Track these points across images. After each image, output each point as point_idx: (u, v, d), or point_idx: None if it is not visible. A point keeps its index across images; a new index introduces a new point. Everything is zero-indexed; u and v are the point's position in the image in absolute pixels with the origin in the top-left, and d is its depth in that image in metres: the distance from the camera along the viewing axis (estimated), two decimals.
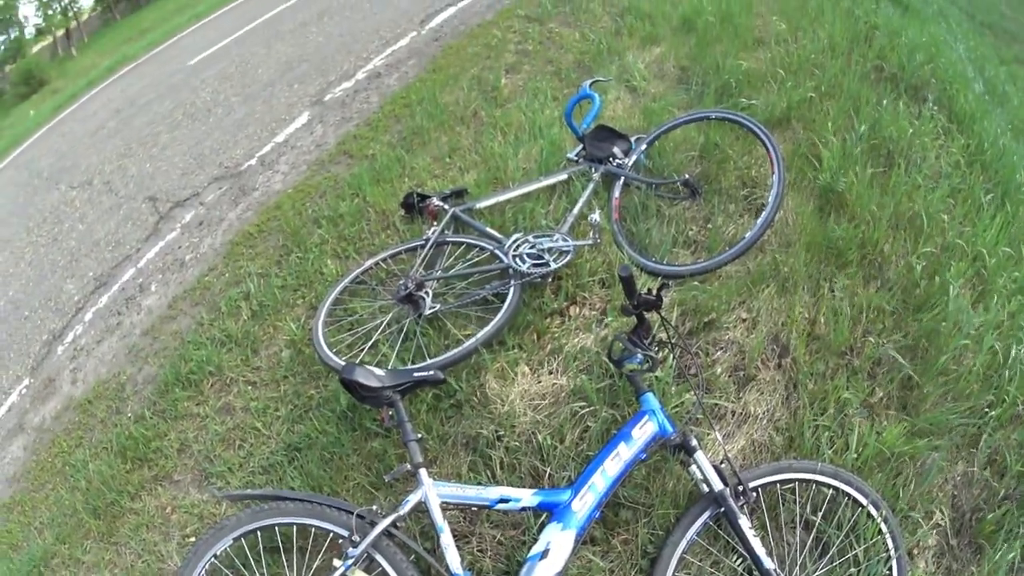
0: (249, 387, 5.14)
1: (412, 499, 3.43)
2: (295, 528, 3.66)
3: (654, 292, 3.49)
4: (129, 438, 5.20)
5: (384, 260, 5.23)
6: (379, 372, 3.62)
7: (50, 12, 51.07)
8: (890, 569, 3.31)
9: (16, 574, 4.87)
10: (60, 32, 47.81)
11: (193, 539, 4.41)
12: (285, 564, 3.74)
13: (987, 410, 3.76)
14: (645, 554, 3.58)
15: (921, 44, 6.24)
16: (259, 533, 3.71)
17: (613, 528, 3.69)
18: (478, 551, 3.77)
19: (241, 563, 3.80)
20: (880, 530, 3.35)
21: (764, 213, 4.62)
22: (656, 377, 3.88)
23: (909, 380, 3.93)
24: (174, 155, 9.71)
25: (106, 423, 5.66)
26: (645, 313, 3.60)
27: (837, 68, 5.89)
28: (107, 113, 14.19)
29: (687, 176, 5.05)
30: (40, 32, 51.24)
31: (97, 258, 8.17)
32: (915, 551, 3.49)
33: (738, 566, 3.50)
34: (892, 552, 3.32)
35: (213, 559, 3.57)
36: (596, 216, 4.55)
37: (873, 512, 3.37)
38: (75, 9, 53.48)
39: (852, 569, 3.40)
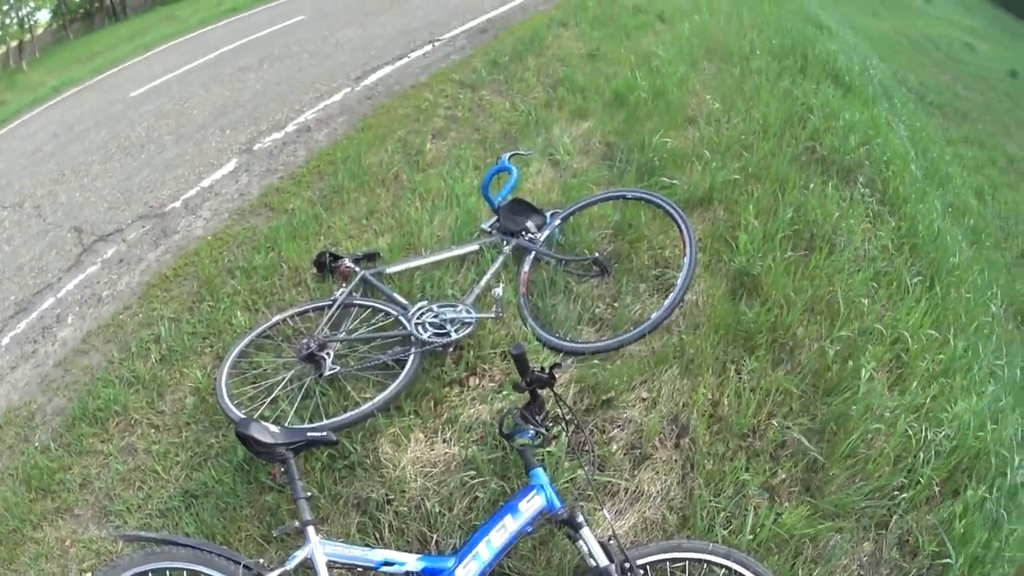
0: (152, 430, 5.17)
1: (299, 555, 3.45)
2: (185, 573, 3.66)
3: (547, 370, 3.59)
4: (34, 467, 5.19)
5: (292, 317, 5.31)
6: (274, 429, 3.67)
7: (7, 21, 50.51)
8: None
9: None
10: (14, 43, 47.28)
11: (89, 574, 4.41)
12: None
13: (897, 492, 3.81)
14: None
15: (858, 125, 6.36)
16: (150, 575, 3.72)
17: None
18: None
19: None
20: None
21: (672, 294, 4.73)
22: (548, 452, 3.97)
23: (814, 463, 3.98)
24: (104, 187, 9.68)
25: (14, 450, 5.61)
26: (539, 390, 3.69)
27: (767, 149, 6.01)
28: (46, 135, 14.04)
29: (597, 254, 5.17)
30: None
31: (20, 283, 8.09)
32: None
33: None
34: None
35: None
36: (499, 290, 4.63)
37: None
38: (31, 22, 52.94)
39: None
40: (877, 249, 5.08)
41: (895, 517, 3.75)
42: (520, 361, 3.58)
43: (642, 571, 3.39)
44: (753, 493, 3.88)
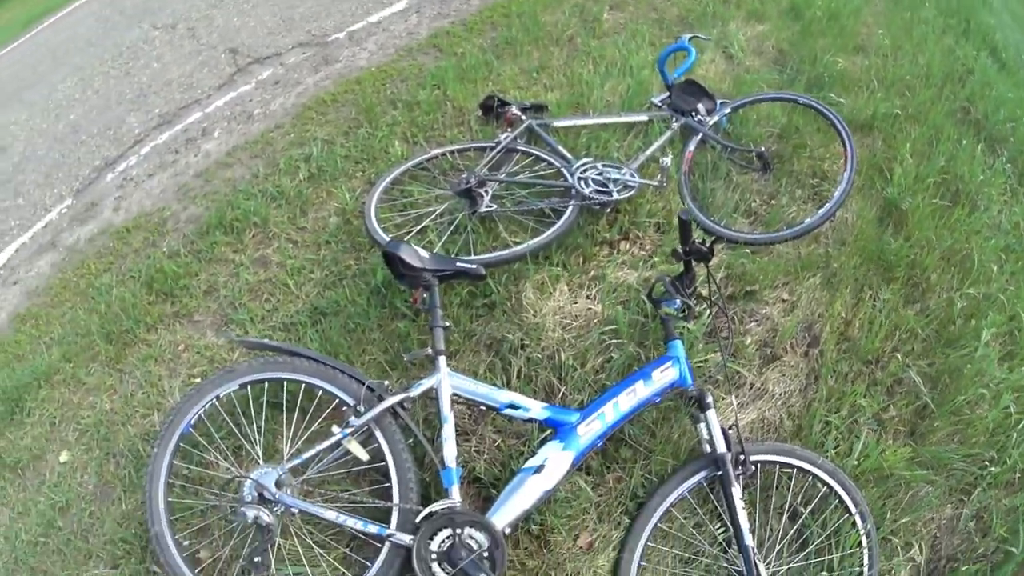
0: (290, 244, 5.18)
1: (425, 383, 3.46)
2: (303, 387, 3.73)
3: (708, 244, 3.50)
4: (159, 271, 5.23)
5: (452, 152, 5.25)
6: (423, 253, 3.63)
7: None
8: None
9: (14, 384, 4.93)
10: None
11: (199, 380, 4.44)
12: (284, 421, 3.78)
13: (987, 464, 3.72)
14: (634, 497, 3.61)
15: (1008, 101, 6.17)
16: (266, 384, 3.76)
17: (611, 463, 3.72)
18: (475, 451, 3.80)
19: (241, 410, 3.87)
20: (860, 543, 3.35)
21: (828, 204, 4.64)
22: (687, 329, 3.88)
23: (923, 409, 3.92)
24: (264, 14, 9.61)
25: (139, 253, 5.69)
26: (693, 263, 3.62)
27: (927, 96, 5.83)
28: None
29: (763, 148, 5.07)
30: None
31: (166, 97, 8.15)
32: None
33: (719, 534, 3.52)
34: (866, 569, 3.32)
35: (215, 400, 3.67)
36: (667, 160, 4.53)
37: (859, 523, 3.36)
38: None
39: (824, 573, 3.39)
40: (1010, 224, 4.87)
41: (978, 489, 3.66)
42: (685, 228, 3.49)
43: (753, 467, 3.39)
44: (865, 421, 3.83)
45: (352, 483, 3.78)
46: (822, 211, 4.63)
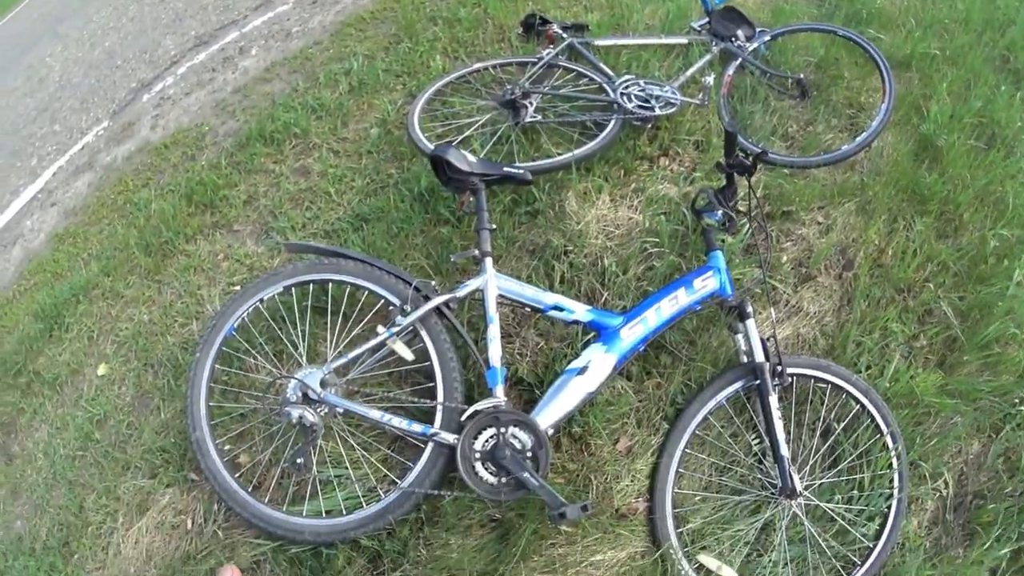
0: (331, 154, 5.23)
1: (472, 284, 3.52)
2: (348, 289, 3.76)
3: (751, 157, 3.54)
4: (199, 183, 5.30)
5: (494, 67, 5.28)
6: (471, 158, 3.67)
7: None
8: (889, 508, 3.40)
9: (54, 301, 5.05)
10: None
11: (238, 288, 4.52)
12: (328, 324, 3.84)
13: (1018, 403, 3.74)
14: (673, 403, 3.70)
15: None
16: (311, 287, 3.84)
17: (651, 369, 3.80)
18: (518, 354, 3.89)
19: (285, 314, 3.92)
20: (891, 464, 3.44)
21: (865, 133, 4.70)
22: (726, 241, 3.96)
23: (953, 341, 3.96)
24: None
25: (178, 168, 5.75)
26: (736, 175, 3.66)
27: (966, 41, 5.80)
28: None
29: (801, 76, 5.10)
30: None
31: (202, 20, 8.17)
32: (913, 506, 3.53)
33: (754, 444, 3.61)
34: (896, 491, 3.40)
35: (259, 303, 3.75)
36: (710, 79, 4.60)
37: (889, 443, 3.44)
38: None
39: (855, 492, 3.47)
40: None
41: (1008, 427, 3.70)
42: (731, 140, 3.52)
43: (790, 379, 3.48)
44: (896, 346, 3.89)
45: (396, 384, 3.86)
46: (859, 139, 4.69)
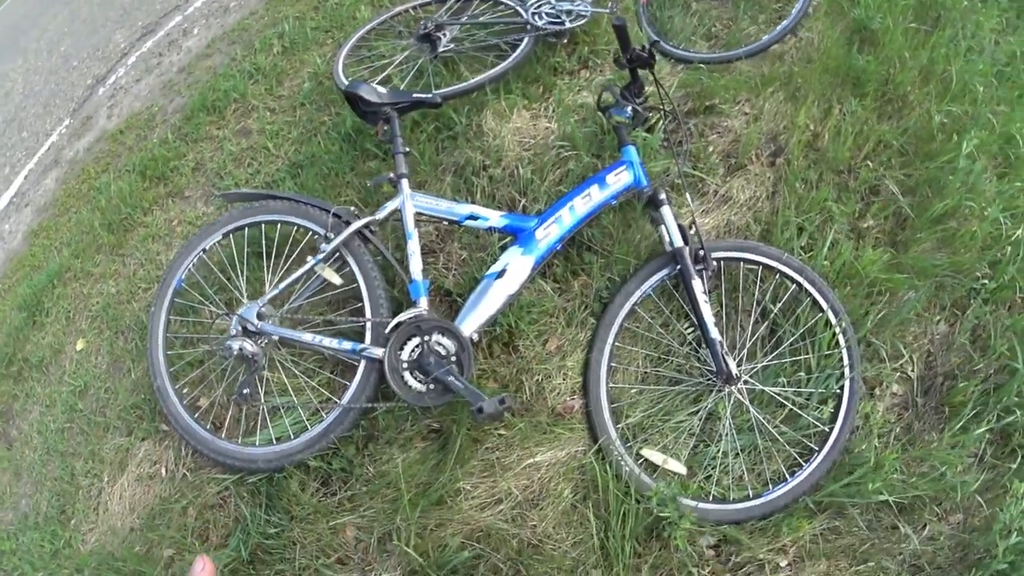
0: (268, 112, 5.38)
1: (390, 206, 3.63)
2: (279, 226, 3.89)
3: (647, 48, 3.57)
4: (151, 159, 5.48)
5: (414, 8, 5.38)
6: (381, 90, 3.77)
7: None
8: (842, 388, 3.36)
9: (33, 291, 5.22)
10: None
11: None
12: (265, 265, 3.99)
13: (981, 279, 3.68)
14: (599, 298, 3.75)
15: None
16: (246, 231, 3.98)
17: (574, 268, 3.87)
18: (443, 267, 4.00)
19: (227, 259, 4.10)
20: (837, 342, 3.39)
21: (786, 20, 4.71)
22: (644, 138, 3.95)
23: (903, 220, 3.89)
24: None
25: (133, 149, 5.94)
26: (639, 70, 3.70)
27: None
28: None
29: None
30: None
31: (148, 9, 8.35)
32: (877, 391, 3.49)
33: (688, 333, 3.63)
34: (846, 370, 3.35)
35: (202, 253, 3.90)
36: None
37: (832, 319, 3.40)
38: None
39: (803, 374, 3.45)
40: (1005, 54, 4.71)
41: (974, 304, 3.63)
42: (621, 34, 3.57)
43: (715, 263, 3.46)
44: (839, 228, 3.82)
45: (331, 309, 3.99)
46: (780, 27, 4.69)
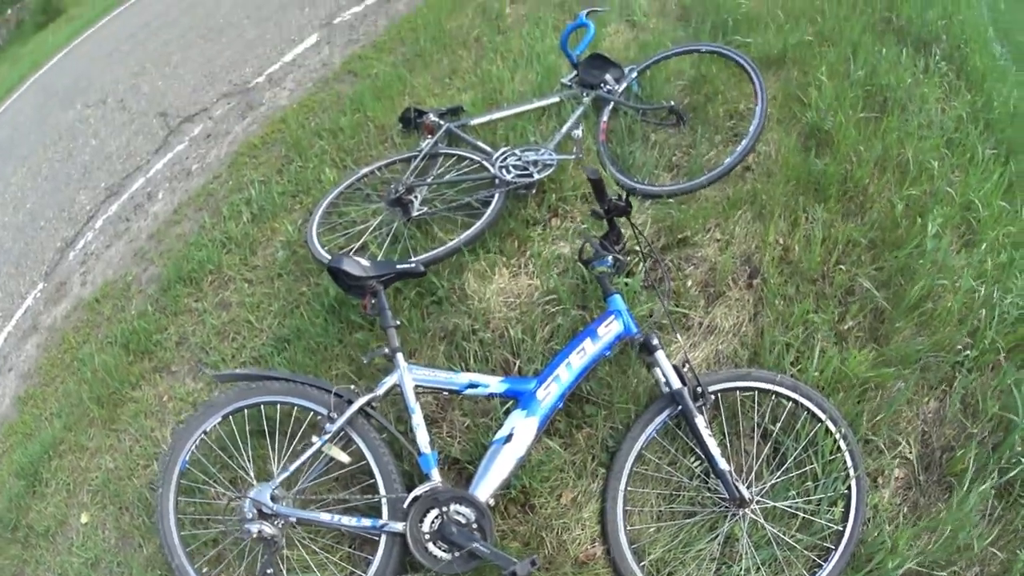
0: (245, 284, 5.40)
1: (388, 381, 3.65)
2: (279, 407, 3.90)
3: (623, 198, 3.68)
4: (133, 332, 5.47)
5: (379, 168, 5.43)
6: (364, 262, 3.79)
7: None
8: (849, 488, 3.40)
9: (30, 460, 5.20)
10: None
11: (183, 424, 4.52)
12: (269, 444, 3.95)
13: (962, 350, 3.77)
14: (605, 448, 3.77)
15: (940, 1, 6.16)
16: (246, 412, 3.96)
17: (577, 422, 3.88)
18: (448, 436, 4.00)
19: (229, 440, 4.06)
20: (839, 447, 3.44)
21: (744, 141, 4.78)
22: (626, 283, 4.05)
23: (881, 313, 3.98)
24: (186, 73, 9.90)
25: (112, 320, 5.92)
26: (616, 219, 3.79)
27: (841, 15, 5.88)
28: (122, 36, 14.08)
29: (673, 103, 5.19)
30: None
31: (108, 170, 8.36)
32: (880, 480, 3.56)
33: (695, 467, 3.64)
34: (851, 471, 3.41)
35: (203, 435, 3.85)
36: (579, 132, 4.75)
37: (831, 428, 3.46)
38: None
39: (810, 483, 3.49)
40: (952, 120, 4.90)
41: (959, 376, 3.73)
42: (597, 187, 3.65)
43: (713, 397, 3.54)
44: (822, 336, 3.89)
45: (342, 486, 3.97)
46: (739, 147, 4.77)
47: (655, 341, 3.51)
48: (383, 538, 3.47)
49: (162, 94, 9.62)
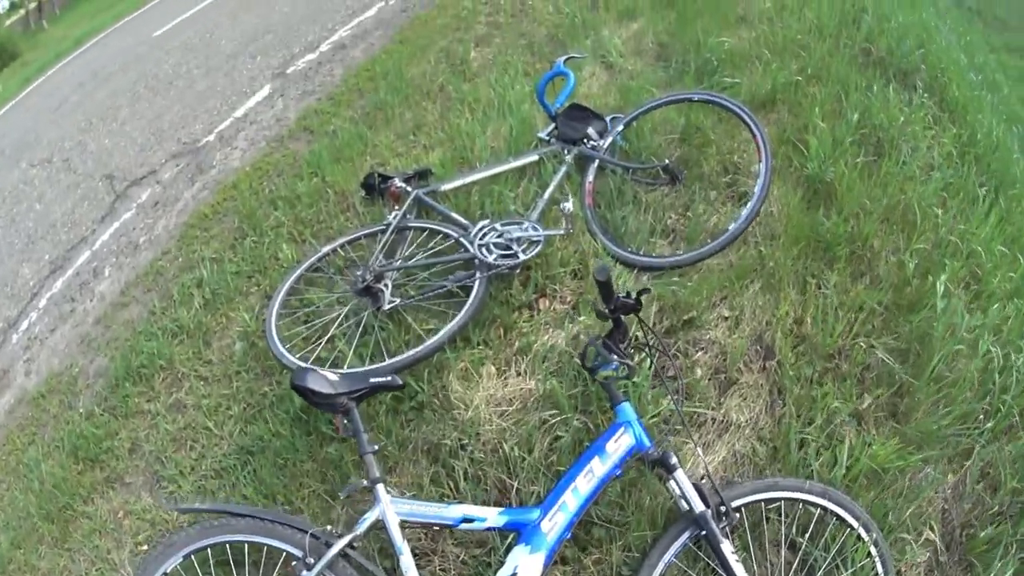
0: (201, 383, 4.94)
1: (369, 517, 3.21)
2: (247, 545, 3.48)
3: (633, 296, 3.24)
4: (80, 437, 5.04)
5: (342, 246, 4.95)
6: (332, 377, 3.37)
7: None
8: None
9: None
10: (32, 5, 47.03)
11: (145, 547, 4.26)
12: None
13: (981, 420, 3.55)
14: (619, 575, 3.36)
15: (911, 27, 6.05)
16: (209, 551, 3.52)
17: (585, 548, 3.47)
18: (440, 570, 3.57)
19: None
20: (870, 552, 3.14)
21: (750, 203, 4.36)
22: (633, 384, 3.64)
23: (900, 387, 3.68)
24: (133, 130, 9.62)
25: (58, 419, 5.49)
26: (623, 316, 3.34)
27: (824, 50, 5.66)
28: (71, 87, 14.02)
29: (667, 162, 4.75)
30: (13, 6, 50.36)
31: (53, 240, 8.01)
32: (903, 569, 3.27)
33: None
34: (880, 573, 3.12)
35: None
36: (568, 205, 4.28)
37: (863, 535, 3.15)
38: None
39: None
40: (942, 157, 4.76)
41: (977, 448, 3.51)
42: (605, 288, 3.21)
43: (737, 515, 3.14)
44: (842, 422, 3.59)
45: None
46: (745, 211, 4.34)
47: (673, 460, 3.09)
48: None
49: (109, 153, 9.32)
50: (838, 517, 3.19)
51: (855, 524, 3.15)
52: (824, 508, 3.21)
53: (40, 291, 7.25)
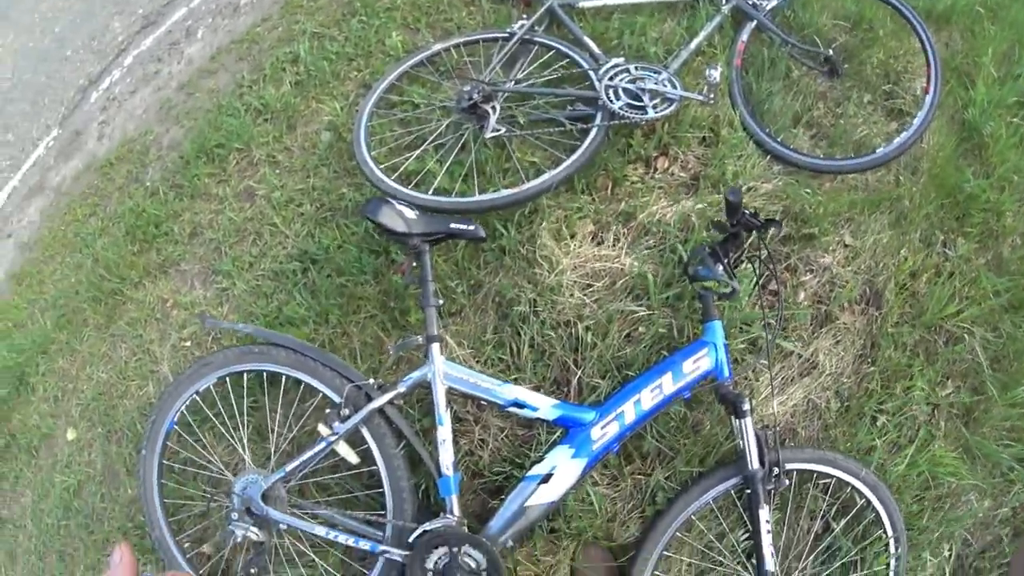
0: (276, 172, 4.59)
1: (415, 376, 3.10)
2: (285, 377, 3.40)
3: (761, 219, 2.95)
4: (141, 216, 4.80)
5: (457, 47, 4.47)
6: (409, 214, 3.15)
7: None
8: None
9: (16, 360, 4.76)
10: None
11: (188, 343, 4.21)
12: (269, 416, 3.51)
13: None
14: (653, 501, 3.34)
15: None
16: (245, 377, 3.54)
17: (629, 457, 3.42)
18: (480, 441, 3.47)
19: (222, 406, 3.59)
20: (888, 563, 3.17)
21: (906, 133, 4.00)
22: (730, 304, 3.43)
23: (983, 384, 3.56)
24: None
25: (123, 191, 5.22)
26: (743, 231, 3.04)
27: None
28: None
29: (831, 51, 4.23)
30: None
31: None
32: None
33: (741, 544, 3.27)
34: None
35: (195, 395, 3.45)
36: (716, 74, 3.76)
37: (891, 546, 3.16)
38: None
39: None
40: None
41: (1017, 486, 3.48)
42: (733, 208, 2.96)
43: (787, 480, 3.09)
44: (919, 410, 3.48)
45: (346, 483, 3.50)
46: (899, 139, 3.97)
47: (746, 406, 2.94)
48: (381, 560, 3.09)
49: None
50: (877, 516, 3.17)
51: (889, 532, 3.16)
52: (869, 502, 3.17)
53: (128, 47, 6.89)
